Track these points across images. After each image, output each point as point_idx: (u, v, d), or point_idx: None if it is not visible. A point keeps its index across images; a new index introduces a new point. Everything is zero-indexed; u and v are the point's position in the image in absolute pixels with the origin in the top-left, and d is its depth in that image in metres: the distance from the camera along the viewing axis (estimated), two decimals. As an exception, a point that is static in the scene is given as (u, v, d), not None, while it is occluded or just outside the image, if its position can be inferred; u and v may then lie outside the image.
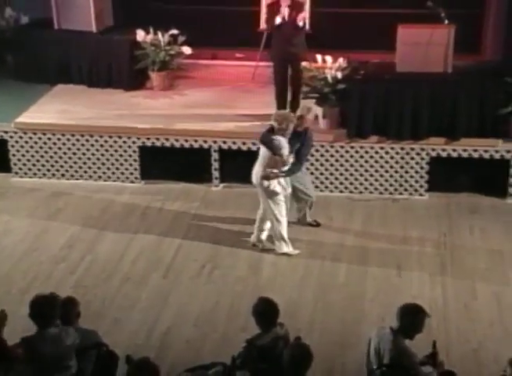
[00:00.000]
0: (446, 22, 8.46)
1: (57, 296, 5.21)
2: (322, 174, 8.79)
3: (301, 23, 8.55)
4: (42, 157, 9.15)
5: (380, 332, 5.09)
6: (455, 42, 8.44)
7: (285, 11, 8.52)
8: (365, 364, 5.22)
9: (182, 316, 6.74)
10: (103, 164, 9.10)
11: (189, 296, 7.01)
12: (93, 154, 9.07)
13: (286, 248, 7.58)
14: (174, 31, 9.68)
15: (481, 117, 8.49)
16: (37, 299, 5.10)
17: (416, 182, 8.73)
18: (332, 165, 8.75)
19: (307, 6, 9.40)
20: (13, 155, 9.17)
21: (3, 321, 5.21)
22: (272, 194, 7.40)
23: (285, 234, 7.56)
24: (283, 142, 7.24)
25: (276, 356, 5.03)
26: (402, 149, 8.63)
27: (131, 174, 9.10)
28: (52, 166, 9.17)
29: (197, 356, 6.10)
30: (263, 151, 7.42)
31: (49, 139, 9.08)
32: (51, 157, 9.14)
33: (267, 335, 5.15)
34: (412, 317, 4.99)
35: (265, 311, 5.21)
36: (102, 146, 9.03)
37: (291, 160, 7.35)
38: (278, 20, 8.55)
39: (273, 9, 8.67)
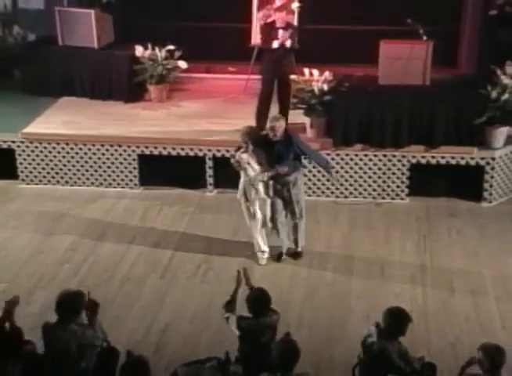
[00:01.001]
0: (425, 38, 8.50)
1: (83, 293, 5.20)
2: (310, 180, 8.80)
3: (288, 44, 8.58)
4: (47, 165, 9.14)
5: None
6: (433, 57, 8.48)
7: (281, 35, 8.51)
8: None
9: (179, 314, 6.74)
10: (104, 171, 9.10)
11: (185, 295, 7.00)
12: (95, 162, 9.07)
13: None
14: (171, 47, 9.70)
15: (457, 127, 8.52)
16: (63, 294, 5.11)
17: (398, 187, 8.75)
18: (319, 172, 8.76)
19: (295, 23, 9.42)
20: (20, 163, 9.15)
21: (14, 305, 5.19)
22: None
23: (256, 235, 7.43)
24: (244, 159, 7.05)
25: (262, 343, 5.10)
26: (385, 156, 8.65)
27: (131, 180, 9.10)
28: (57, 173, 9.16)
29: (193, 351, 6.09)
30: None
31: (54, 148, 9.08)
32: (55, 164, 9.13)
33: (255, 321, 5.20)
34: (397, 321, 5.02)
35: (257, 300, 5.26)
36: (103, 154, 9.03)
37: (260, 176, 7.08)
38: (275, 44, 8.54)
39: (269, 30, 8.65)
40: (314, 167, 8.71)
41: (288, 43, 8.56)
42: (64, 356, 4.99)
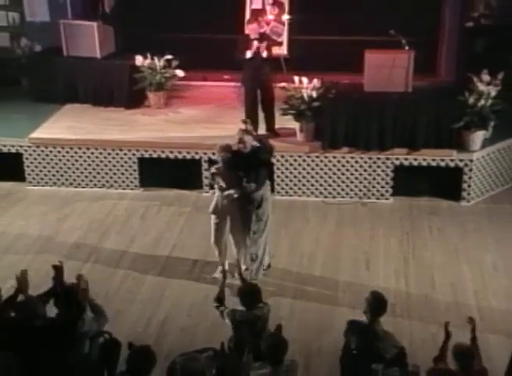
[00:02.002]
0: (407, 48, 8.50)
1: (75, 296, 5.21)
2: (300, 181, 8.80)
3: (264, 55, 8.58)
4: (53, 167, 9.11)
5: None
6: (414, 65, 8.47)
7: (254, 45, 8.53)
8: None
9: (177, 307, 6.73)
10: (106, 173, 9.07)
11: (182, 290, 6.99)
12: (97, 165, 9.05)
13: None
14: (169, 56, 9.68)
15: (437, 131, 8.52)
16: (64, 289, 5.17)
17: (382, 187, 8.76)
18: (308, 173, 8.77)
19: (285, 34, 9.43)
20: (28, 166, 9.13)
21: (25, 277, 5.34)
22: None
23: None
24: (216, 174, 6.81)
25: (255, 333, 5.10)
26: (370, 158, 8.65)
27: (131, 182, 9.07)
28: (62, 176, 9.13)
29: (191, 342, 6.09)
30: None
31: (59, 152, 9.05)
32: (60, 167, 9.10)
33: (247, 313, 5.20)
34: (379, 302, 5.04)
35: (248, 293, 5.27)
36: (105, 157, 9.01)
37: (228, 191, 6.72)
38: (248, 55, 8.57)
39: (246, 40, 8.64)
40: (303, 169, 8.74)
41: (264, 54, 8.59)
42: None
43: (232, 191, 6.72)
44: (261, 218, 6.85)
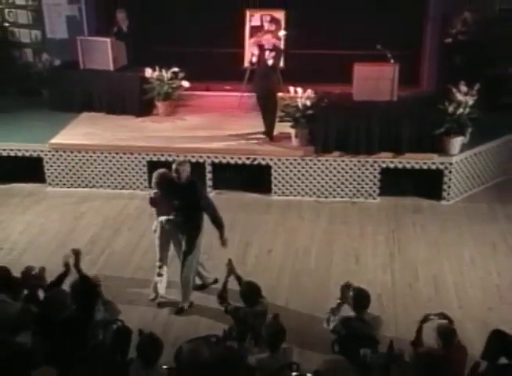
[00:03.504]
0: (392, 61, 8.50)
1: (89, 281, 5.21)
2: (295, 182, 8.77)
3: (270, 62, 8.61)
4: (70, 170, 9.07)
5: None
6: (399, 77, 8.46)
7: (267, 54, 8.60)
8: None
9: (183, 297, 6.70)
10: (119, 175, 9.04)
11: (188, 281, 6.96)
12: (111, 168, 9.01)
13: None
14: (176, 69, 9.63)
15: (420, 136, 8.49)
16: (76, 282, 5.15)
17: (370, 188, 8.72)
18: (303, 175, 8.73)
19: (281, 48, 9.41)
20: (47, 169, 9.09)
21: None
22: None
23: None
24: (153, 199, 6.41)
25: (255, 323, 5.06)
26: (359, 161, 8.62)
27: (141, 183, 9.03)
28: (78, 177, 9.09)
29: (195, 330, 6.06)
30: None
31: (76, 156, 9.01)
32: (77, 170, 9.06)
33: (250, 310, 5.16)
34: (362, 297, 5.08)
35: (248, 293, 5.22)
36: (117, 161, 8.97)
37: (160, 218, 6.33)
38: (253, 60, 8.78)
39: (261, 51, 8.77)
40: (298, 171, 8.71)
41: (270, 62, 8.61)
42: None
43: (163, 218, 6.32)
44: (192, 245, 6.29)
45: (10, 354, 4.35)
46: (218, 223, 6.26)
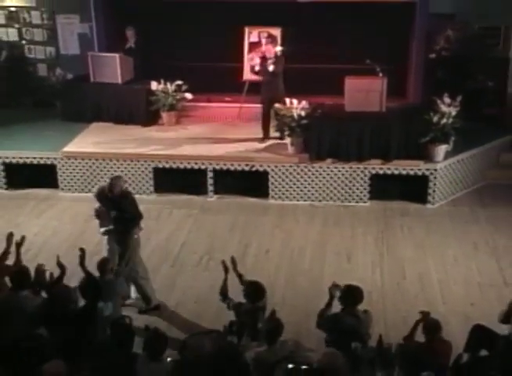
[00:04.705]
0: (380, 74, 8.53)
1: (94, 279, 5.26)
2: (291, 187, 8.77)
3: (270, 68, 8.68)
4: (81, 176, 9.08)
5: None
6: (387, 89, 8.50)
7: (269, 62, 8.81)
8: None
9: (186, 295, 6.70)
10: (126, 181, 8.92)
11: (191, 280, 6.97)
12: (119, 174, 9.00)
13: None
14: (179, 82, 9.66)
15: (407, 145, 8.53)
16: (83, 282, 5.18)
17: (361, 192, 8.73)
18: (298, 181, 8.75)
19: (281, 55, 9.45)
20: (60, 175, 9.09)
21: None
22: None
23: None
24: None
25: (254, 318, 5.06)
26: (350, 168, 8.64)
27: (147, 188, 9.04)
28: (89, 183, 9.08)
29: (198, 325, 6.07)
30: None
31: (86, 163, 9.02)
32: (88, 176, 9.07)
33: (251, 306, 5.16)
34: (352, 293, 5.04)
35: (253, 291, 5.19)
36: (125, 167, 8.98)
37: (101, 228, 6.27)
38: (256, 68, 9.00)
39: (263, 60, 8.97)
40: (294, 177, 8.72)
41: (271, 68, 8.70)
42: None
43: (102, 229, 6.30)
44: (127, 254, 6.19)
45: (33, 347, 4.35)
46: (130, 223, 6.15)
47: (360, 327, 4.92)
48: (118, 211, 6.14)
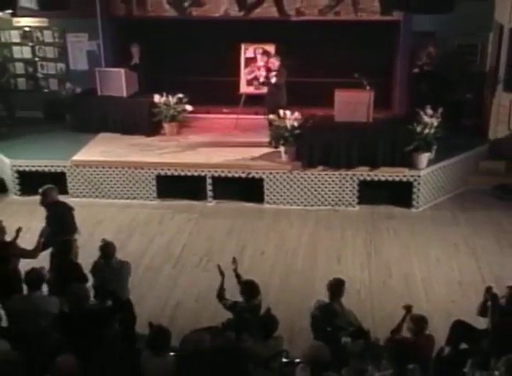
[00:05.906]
0: (368, 88, 8.56)
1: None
2: (284, 193, 8.79)
3: (273, 80, 8.78)
4: (89, 183, 9.07)
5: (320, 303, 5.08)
6: (374, 101, 8.53)
7: (272, 74, 9.02)
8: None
9: (187, 294, 6.71)
10: (131, 187, 9.04)
11: (191, 280, 6.97)
12: (124, 181, 9.02)
13: None
14: (180, 95, 9.68)
15: (393, 153, 8.55)
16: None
17: (350, 197, 8.75)
18: (291, 187, 8.76)
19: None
20: (70, 182, 9.08)
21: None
22: None
23: None
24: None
25: (251, 317, 5.03)
26: (340, 174, 8.65)
27: (151, 194, 9.04)
28: (96, 189, 9.09)
29: (198, 322, 6.05)
30: None
31: (94, 171, 9.02)
32: (95, 183, 9.06)
33: (246, 304, 5.16)
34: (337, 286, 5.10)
35: (248, 290, 5.20)
36: (130, 175, 8.98)
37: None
38: (261, 80, 9.35)
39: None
40: (287, 183, 8.73)
41: (273, 80, 8.93)
42: None
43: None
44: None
45: (51, 344, 4.35)
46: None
47: (337, 321, 4.93)
48: (46, 220, 6.01)
